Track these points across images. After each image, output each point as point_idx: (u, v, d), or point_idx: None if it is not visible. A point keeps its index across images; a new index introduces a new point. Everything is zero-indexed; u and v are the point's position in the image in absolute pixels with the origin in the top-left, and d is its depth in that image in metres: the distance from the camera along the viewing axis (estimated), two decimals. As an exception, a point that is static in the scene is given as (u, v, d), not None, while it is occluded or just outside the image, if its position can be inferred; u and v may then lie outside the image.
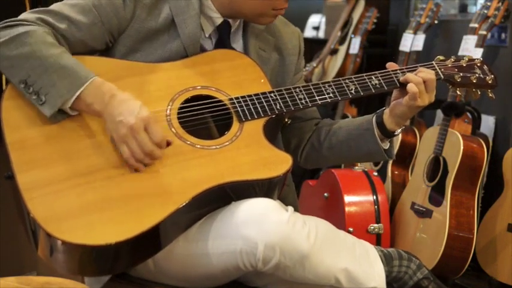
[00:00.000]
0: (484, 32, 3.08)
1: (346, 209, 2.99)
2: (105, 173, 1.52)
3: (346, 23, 4.46)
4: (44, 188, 1.48)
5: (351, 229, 2.94)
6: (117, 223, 1.46)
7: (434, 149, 3.04)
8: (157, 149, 1.53)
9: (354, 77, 1.75)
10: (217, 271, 1.55)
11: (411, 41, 3.62)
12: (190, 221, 1.57)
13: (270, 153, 1.63)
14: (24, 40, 1.56)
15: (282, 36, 1.87)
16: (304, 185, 3.36)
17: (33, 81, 1.53)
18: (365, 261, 1.60)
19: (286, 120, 1.78)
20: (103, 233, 1.44)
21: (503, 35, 3.32)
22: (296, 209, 1.60)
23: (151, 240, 1.51)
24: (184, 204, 1.51)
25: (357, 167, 3.18)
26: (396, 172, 3.41)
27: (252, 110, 1.67)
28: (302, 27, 4.36)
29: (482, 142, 2.95)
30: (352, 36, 4.27)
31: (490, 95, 1.85)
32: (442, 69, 1.80)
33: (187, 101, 1.65)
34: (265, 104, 1.68)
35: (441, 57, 1.84)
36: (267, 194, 1.59)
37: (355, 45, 4.18)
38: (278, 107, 1.69)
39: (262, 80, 1.73)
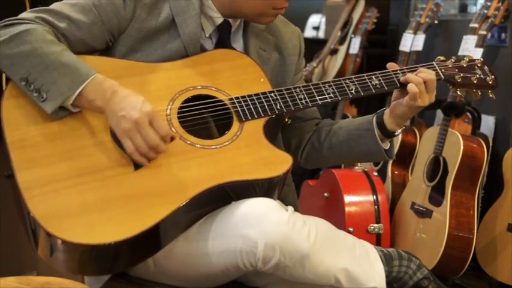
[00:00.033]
0: (484, 32, 3.08)
1: (346, 209, 2.99)
2: (106, 173, 1.52)
3: (346, 23, 4.46)
4: (44, 186, 1.48)
5: (351, 229, 2.94)
6: (117, 222, 1.46)
7: (434, 149, 3.04)
8: (162, 143, 1.53)
9: (354, 77, 1.75)
10: (217, 271, 1.55)
11: (411, 41, 3.62)
12: (190, 220, 1.57)
13: (270, 153, 1.63)
14: (24, 38, 1.56)
15: (282, 36, 1.87)
16: (304, 185, 3.36)
17: (34, 79, 1.54)
18: (365, 261, 1.60)
19: (286, 120, 1.78)
20: (103, 232, 1.44)
21: (503, 35, 3.32)
22: (296, 209, 1.60)
23: (151, 240, 1.51)
24: (184, 203, 1.51)
25: (357, 167, 3.19)
26: (396, 172, 3.41)
27: (252, 109, 1.67)
28: (302, 27, 4.36)
29: (482, 142, 2.95)
30: (352, 36, 4.27)
31: (491, 95, 1.85)
32: (443, 70, 1.80)
33: (187, 100, 1.65)
34: (265, 103, 1.68)
35: (442, 58, 1.84)
36: (267, 194, 1.59)
37: (355, 45, 4.18)
38: (278, 107, 1.69)
39: (262, 80, 1.73)
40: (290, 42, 1.87)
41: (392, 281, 1.66)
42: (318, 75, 4.47)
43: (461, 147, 2.91)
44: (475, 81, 1.81)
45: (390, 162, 3.37)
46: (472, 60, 1.85)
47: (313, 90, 1.73)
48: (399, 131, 1.76)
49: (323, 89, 1.73)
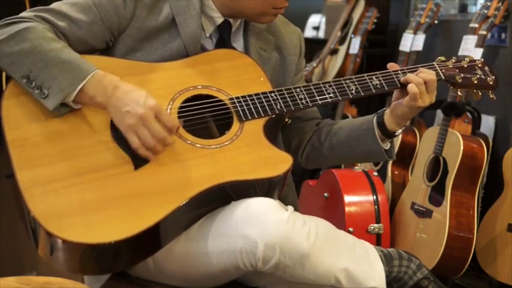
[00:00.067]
0: (484, 32, 3.08)
1: (346, 209, 2.99)
2: (106, 172, 1.52)
3: (346, 23, 4.46)
4: (45, 185, 1.48)
5: (351, 229, 2.94)
6: (117, 222, 1.46)
7: (434, 149, 3.04)
8: (169, 136, 1.53)
9: (355, 77, 1.75)
10: (217, 270, 1.55)
11: (411, 41, 3.62)
12: (190, 220, 1.57)
13: (270, 153, 1.63)
14: (24, 36, 1.56)
15: (282, 36, 1.87)
16: (304, 185, 3.36)
17: (35, 76, 1.54)
18: (365, 261, 1.60)
19: (286, 120, 1.78)
20: (103, 231, 1.44)
21: (503, 35, 3.32)
22: (296, 209, 1.60)
23: (151, 239, 1.51)
24: (184, 203, 1.51)
25: (357, 167, 3.19)
26: (396, 172, 3.41)
27: (253, 109, 1.67)
28: (302, 27, 4.36)
29: (482, 142, 2.95)
30: (352, 36, 4.27)
31: (491, 96, 1.85)
32: (443, 70, 1.80)
33: (187, 100, 1.65)
34: (265, 103, 1.68)
35: (442, 58, 1.84)
36: (267, 193, 1.59)
37: (355, 45, 4.18)
38: (278, 106, 1.69)
39: (262, 80, 1.73)
40: (290, 42, 1.87)
41: (392, 281, 1.66)
42: (318, 75, 4.47)
43: (461, 147, 2.91)
44: (475, 82, 1.81)
45: (390, 162, 3.37)
46: (472, 60, 1.85)
47: (314, 90, 1.73)
48: (399, 131, 1.76)
49: (323, 89, 1.73)
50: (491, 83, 1.83)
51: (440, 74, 1.78)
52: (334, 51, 4.46)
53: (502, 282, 2.81)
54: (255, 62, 1.75)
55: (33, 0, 2.34)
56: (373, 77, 1.76)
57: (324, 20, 5.11)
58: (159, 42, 1.71)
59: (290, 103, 1.70)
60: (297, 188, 2.34)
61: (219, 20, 1.76)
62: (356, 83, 1.74)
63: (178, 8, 1.72)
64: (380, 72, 1.77)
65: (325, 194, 3.14)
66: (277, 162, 1.61)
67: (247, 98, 1.68)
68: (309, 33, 5.19)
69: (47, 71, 1.53)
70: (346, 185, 3.05)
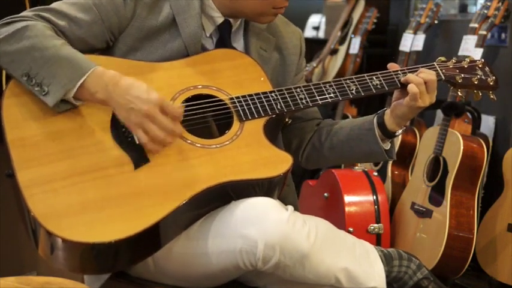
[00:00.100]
0: (484, 32, 3.08)
1: (346, 209, 2.99)
2: (106, 171, 1.52)
3: (346, 23, 4.46)
4: (45, 185, 1.48)
5: (351, 229, 2.94)
6: (117, 221, 1.46)
7: (434, 149, 3.04)
8: (177, 127, 1.53)
9: (355, 77, 1.75)
10: (217, 270, 1.55)
11: (411, 41, 3.62)
12: (190, 220, 1.57)
13: (271, 153, 1.63)
14: (24, 34, 1.56)
15: (282, 36, 1.87)
16: (304, 185, 3.36)
17: (35, 73, 1.54)
18: (365, 261, 1.60)
19: (287, 120, 1.78)
20: (103, 230, 1.44)
21: (503, 35, 3.32)
22: (296, 209, 1.60)
23: (151, 239, 1.51)
24: (184, 203, 1.51)
25: (357, 167, 3.19)
26: (396, 172, 3.41)
27: (253, 109, 1.67)
28: (302, 27, 4.36)
29: (482, 142, 2.95)
30: (352, 36, 4.27)
31: (492, 96, 1.85)
32: (443, 70, 1.80)
33: (188, 100, 1.65)
34: (265, 103, 1.68)
35: (443, 58, 1.84)
36: (267, 193, 1.59)
37: (355, 45, 4.18)
38: (279, 106, 1.69)
39: (262, 80, 1.73)
40: (291, 42, 1.87)
41: (392, 281, 1.66)
42: (318, 75, 4.47)
43: (461, 147, 2.91)
44: (475, 82, 1.81)
45: (390, 162, 3.37)
46: (473, 61, 1.85)
47: (314, 90, 1.73)
48: (400, 131, 1.76)
49: (324, 89, 1.73)
50: (491, 83, 1.83)
51: (441, 74, 1.78)
52: (334, 51, 4.46)
53: (502, 282, 2.81)
54: (256, 61, 1.75)
55: (33, 0, 2.34)
56: (374, 77, 1.76)
57: (324, 20, 5.11)
58: (160, 41, 1.71)
59: (290, 103, 1.70)
60: (297, 188, 2.34)
61: (219, 19, 1.76)
62: (356, 83, 1.74)
63: (178, 7, 1.72)
64: (380, 72, 1.77)
65: (325, 194, 3.15)
66: (277, 162, 1.61)
67: (248, 98, 1.68)
68: (309, 33, 5.19)
69: (47, 68, 1.53)
70: (346, 185, 3.05)
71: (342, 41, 4.45)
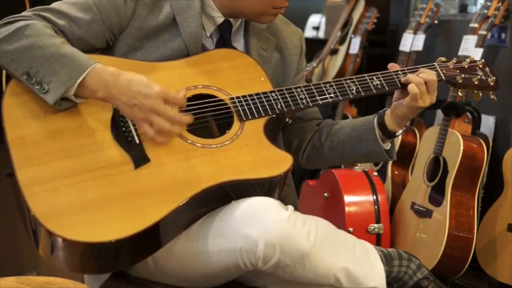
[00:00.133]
0: (484, 32, 3.08)
1: (346, 209, 2.99)
2: (106, 171, 1.52)
3: (346, 23, 4.46)
4: (45, 184, 1.48)
5: (351, 229, 2.94)
6: (118, 220, 1.46)
7: (434, 149, 3.04)
8: (183, 116, 1.53)
9: (355, 77, 1.75)
10: (217, 270, 1.55)
11: (411, 41, 3.62)
12: (190, 219, 1.57)
13: (271, 153, 1.63)
14: (24, 33, 1.56)
15: (283, 36, 1.87)
16: (304, 185, 3.36)
17: (35, 72, 1.54)
18: (365, 261, 1.60)
19: (287, 120, 1.78)
20: (103, 230, 1.44)
21: (503, 35, 3.32)
22: (296, 209, 1.60)
23: (151, 238, 1.51)
24: (184, 202, 1.51)
25: (357, 167, 3.19)
26: (396, 172, 3.41)
27: (253, 109, 1.67)
28: (302, 27, 4.36)
29: (482, 142, 2.95)
30: (352, 36, 4.27)
31: (492, 96, 1.85)
32: (444, 71, 1.80)
33: (188, 100, 1.64)
34: (266, 103, 1.68)
35: (443, 59, 1.84)
36: (267, 193, 1.59)
37: (355, 45, 4.18)
38: (279, 106, 1.69)
39: (263, 80, 1.73)
40: (291, 43, 1.87)
41: (392, 281, 1.65)
42: (318, 75, 4.47)
43: (461, 147, 2.91)
44: (476, 83, 1.81)
45: (390, 162, 3.37)
46: (473, 61, 1.85)
47: (314, 90, 1.73)
48: (400, 131, 1.77)
49: (324, 89, 1.73)
50: (492, 83, 1.83)
51: (441, 74, 1.78)
52: (334, 51, 4.46)
53: (502, 282, 2.81)
54: (256, 61, 1.75)
55: (33, 0, 2.34)
56: (374, 77, 1.76)
57: (324, 20, 5.11)
58: (160, 41, 1.71)
59: (291, 103, 1.70)
60: (297, 188, 2.34)
61: (220, 19, 1.76)
62: (357, 83, 1.74)
63: (178, 7, 1.72)
64: (381, 72, 1.77)
65: (325, 194, 3.14)
66: (278, 161, 1.61)
67: (248, 98, 1.68)
68: (309, 33, 5.19)
69: (47, 66, 1.53)
70: (346, 185, 3.05)
71: (342, 41, 4.45)
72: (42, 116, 1.55)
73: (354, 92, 1.74)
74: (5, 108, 1.55)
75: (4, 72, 2.04)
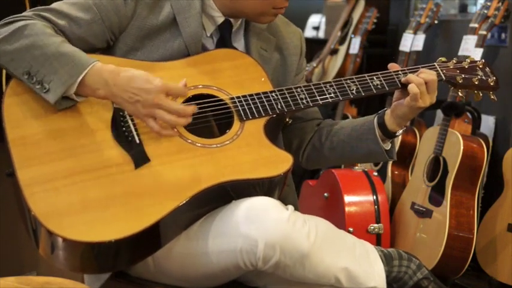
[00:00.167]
0: (484, 32, 3.08)
1: (346, 209, 2.99)
2: (106, 170, 1.52)
3: (346, 23, 4.46)
4: (45, 183, 1.48)
5: (351, 229, 2.93)
6: (118, 220, 1.46)
7: (434, 149, 3.04)
8: (187, 107, 1.54)
9: (356, 77, 1.75)
10: (217, 270, 1.55)
11: (411, 41, 3.62)
12: (190, 219, 1.57)
13: (271, 153, 1.63)
14: (24, 33, 1.56)
15: (283, 36, 1.87)
16: (304, 185, 3.36)
17: (35, 71, 1.54)
18: (365, 261, 1.60)
19: (287, 120, 1.78)
20: (104, 230, 1.45)
21: (503, 35, 3.32)
22: (296, 209, 1.60)
23: (151, 238, 1.51)
24: (184, 202, 1.51)
25: (357, 167, 3.19)
26: (396, 172, 3.41)
27: (253, 109, 1.67)
28: (302, 27, 4.35)
29: (482, 142, 2.95)
30: (352, 36, 4.27)
31: (492, 97, 1.85)
32: (444, 71, 1.80)
33: (188, 100, 1.65)
34: (266, 103, 1.68)
35: (443, 59, 1.84)
36: (268, 193, 1.59)
37: (355, 45, 4.18)
38: (279, 106, 1.69)
39: (263, 80, 1.73)
40: (291, 43, 1.87)
41: (392, 281, 1.65)
42: (318, 75, 4.47)
43: (461, 147, 2.91)
44: (476, 83, 1.81)
45: (390, 162, 3.37)
46: (473, 61, 1.85)
47: (314, 90, 1.73)
48: (400, 131, 1.77)
49: (324, 89, 1.73)
50: (492, 84, 1.83)
51: (441, 74, 1.79)
52: (334, 51, 4.46)
53: (502, 282, 2.81)
54: (256, 61, 1.75)
55: (33, 0, 2.34)
56: (374, 77, 1.76)
57: (324, 20, 5.11)
58: (160, 41, 1.71)
59: (291, 103, 1.70)
60: (297, 188, 2.34)
61: (220, 19, 1.76)
62: (357, 83, 1.74)
63: (179, 7, 1.72)
64: (381, 72, 1.77)
65: (325, 194, 3.14)
66: (278, 161, 1.61)
67: (248, 98, 1.68)
68: (309, 33, 5.19)
69: (47, 65, 1.54)
70: (346, 185, 3.04)
71: (342, 41, 4.45)
72: (43, 116, 1.55)
73: (354, 92, 1.74)
74: (6, 107, 1.55)
75: (4, 72, 2.05)
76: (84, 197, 1.48)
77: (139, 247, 1.51)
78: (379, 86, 1.75)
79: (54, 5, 1.67)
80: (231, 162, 1.59)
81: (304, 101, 1.71)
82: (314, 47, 4.76)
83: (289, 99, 1.70)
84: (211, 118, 1.67)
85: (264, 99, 1.68)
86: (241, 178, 1.57)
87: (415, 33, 3.63)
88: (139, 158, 1.55)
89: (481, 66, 1.85)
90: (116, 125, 1.58)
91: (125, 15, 1.69)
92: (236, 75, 1.71)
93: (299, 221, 1.52)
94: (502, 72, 3.13)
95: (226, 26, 1.77)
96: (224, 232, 1.53)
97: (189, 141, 1.60)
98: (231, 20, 1.78)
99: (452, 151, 2.95)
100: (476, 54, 3.01)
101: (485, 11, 3.11)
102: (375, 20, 4.13)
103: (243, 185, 1.57)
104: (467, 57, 1.87)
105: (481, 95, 1.84)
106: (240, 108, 1.66)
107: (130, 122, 1.59)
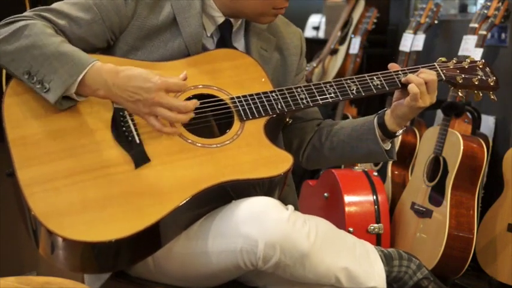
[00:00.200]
0: (484, 32, 3.08)
1: (346, 209, 2.99)
2: (106, 170, 1.52)
3: (346, 23, 4.46)
4: (45, 183, 1.48)
5: (351, 229, 2.93)
6: (118, 220, 1.46)
7: (434, 149, 3.04)
8: (188, 102, 1.54)
9: (356, 77, 1.75)
10: (217, 270, 1.55)
11: (411, 41, 3.62)
12: (190, 219, 1.57)
13: (271, 153, 1.63)
14: (23, 33, 1.57)
15: (283, 37, 1.87)
16: (304, 185, 3.36)
17: (36, 71, 1.54)
18: (365, 261, 1.60)
19: (287, 120, 1.78)
20: (104, 229, 1.45)
21: (503, 35, 3.32)
22: (296, 209, 1.60)
23: (151, 238, 1.51)
24: (184, 202, 1.51)
25: (357, 167, 3.19)
26: (396, 172, 3.41)
27: (253, 109, 1.67)
28: (302, 27, 4.36)
29: (482, 142, 2.95)
30: (352, 36, 4.27)
31: (492, 97, 1.85)
32: (444, 71, 1.80)
33: (188, 99, 1.64)
34: (266, 103, 1.68)
35: (443, 59, 1.84)
36: (268, 193, 1.59)
37: (355, 45, 4.18)
38: (279, 106, 1.69)
39: (263, 80, 1.73)
40: (291, 43, 1.87)
41: (392, 281, 1.65)
42: (318, 75, 4.47)
43: (461, 147, 2.91)
44: (476, 83, 1.81)
45: (390, 162, 3.37)
46: (473, 61, 1.85)
47: (314, 90, 1.73)
48: (400, 131, 1.77)
49: (324, 89, 1.73)
50: (492, 84, 1.83)
51: (441, 74, 1.79)
52: (334, 51, 4.46)
53: (502, 282, 2.81)
54: (256, 62, 1.75)
55: (34, 0, 2.34)
56: (374, 77, 1.76)
57: (324, 20, 5.11)
58: (160, 41, 1.71)
59: (291, 103, 1.70)
60: (297, 188, 2.34)
61: (220, 19, 1.77)
62: (357, 83, 1.74)
63: (179, 7, 1.72)
64: (381, 72, 1.77)
65: (325, 194, 3.14)
66: (278, 161, 1.61)
67: (248, 98, 1.68)
68: (309, 33, 5.19)
69: (47, 65, 1.54)
70: (346, 185, 3.05)
71: (342, 41, 4.45)
72: (43, 116, 1.55)
73: (354, 92, 1.74)
74: (6, 107, 1.55)
75: (4, 72, 2.05)
76: (85, 197, 1.48)
77: (139, 247, 1.51)
78: (379, 86, 1.75)
79: (54, 5, 1.67)
80: (231, 162, 1.59)
81: (304, 101, 1.71)
82: (314, 47, 4.76)
83: (289, 99, 1.70)
84: (211, 118, 1.67)
85: (264, 99, 1.68)
86: (241, 178, 1.57)
87: (415, 33, 3.63)
88: (140, 157, 1.55)
89: (481, 66, 1.85)
90: (116, 124, 1.58)
91: (125, 15, 1.69)
92: (236, 75, 1.71)
93: (299, 221, 1.52)
94: (502, 72, 3.13)
95: (226, 26, 1.77)
96: (224, 232, 1.53)
97: (189, 141, 1.60)
98: (231, 20, 1.78)
99: (452, 151, 2.95)
100: (476, 54, 3.01)
101: (485, 11, 3.11)
102: (375, 20, 4.13)
103: (243, 185, 1.57)
104: (467, 57, 1.87)
105: (481, 95, 1.84)
106: (240, 108, 1.66)
107: (130, 121, 1.59)
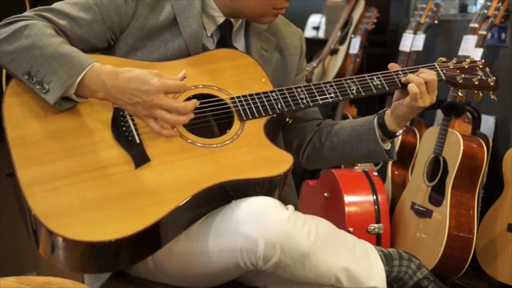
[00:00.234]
0: (484, 32, 3.08)
1: (346, 209, 2.99)
2: (106, 170, 1.52)
3: (346, 23, 4.46)
4: (45, 183, 1.48)
5: (351, 229, 2.94)
6: (118, 220, 1.47)
7: (434, 149, 3.04)
8: (187, 103, 1.54)
9: (356, 77, 1.75)
10: (218, 270, 1.55)
11: (411, 41, 3.63)
12: (190, 219, 1.57)
13: (271, 153, 1.63)
14: (24, 33, 1.57)
15: (283, 37, 1.87)
16: (304, 185, 3.36)
17: (35, 71, 1.54)
18: (365, 261, 1.60)
19: (287, 120, 1.79)
20: (104, 229, 1.45)
21: (503, 35, 3.33)
22: (296, 209, 1.60)
23: (151, 238, 1.51)
24: (184, 202, 1.51)
25: (357, 167, 3.19)
26: (396, 172, 3.41)
27: (253, 109, 1.67)
28: (302, 27, 4.36)
29: (482, 142, 2.96)
30: (352, 36, 4.27)
31: (492, 97, 1.85)
32: (444, 71, 1.80)
33: (188, 99, 1.65)
34: (266, 103, 1.68)
35: (443, 59, 1.84)
36: (268, 193, 1.59)
37: (355, 45, 4.18)
38: (279, 106, 1.69)
39: (263, 80, 1.73)
40: (291, 43, 1.88)
41: (392, 281, 1.66)
42: (318, 75, 4.47)
43: (461, 147, 2.91)
44: (476, 83, 1.81)
45: (390, 162, 3.37)
46: (473, 61, 1.85)
47: (314, 90, 1.73)
48: (400, 131, 1.77)
49: (324, 89, 1.73)
50: (492, 84, 1.83)
51: (441, 74, 1.79)
52: (334, 51, 4.46)
53: (502, 282, 2.81)
54: (257, 62, 1.75)
55: (34, 0, 2.34)
56: (374, 77, 1.76)
57: (324, 20, 5.12)
58: (160, 41, 1.71)
59: (291, 103, 1.70)
60: (297, 188, 2.34)
61: (220, 19, 1.77)
62: (357, 83, 1.74)
63: (179, 7, 1.72)
64: (381, 72, 1.77)
65: (325, 194, 3.15)
66: (278, 161, 1.61)
67: (248, 98, 1.68)
68: (309, 33, 5.19)
69: (47, 65, 1.54)
70: (346, 185, 3.05)
71: (342, 41, 4.45)
72: (43, 116, 1.55)
73: (354, 92, 1.74)
74: (6, 107, 1.55)
75: (4, 72, 2.05)
76: (84, 197, 1.48)
77: (139, 247, 1.51)
78: (379, 86, 1.75)
79: (55, 5, 1.67)
80: (231, 162, 1.59)
81: (304, 101, 1.71)
82: (314, 47, 4.77)
83: (289, 99, 1.70)
84: (211, 118, 1.67)
85: (264, 99, 1.68)
86: (241, 178, 1.57)
87: (415, 33, 3.63)
88: (140, 157, 1.55)
89: (481, 66, 1.85)
90: (116, 125, 1.58)
91: (125, 15, 1.69)
92: (236, 75, 1.71)
93: (299, 220, 1.52)
94: (502, 72, 3.13)
95: (226, 26, 1.77)
96: (224, 232, 1.53)
97: (190, 141, 1.60)
98: (232, 20, 1.78)
99: (452, 151, 2.95)
100: (476, 54, 3.01)
101: (485, 11, 3.11)
102: (375, 20, 4.14)
103: (243, 184, 1.57)
104: (467, 57, 1.87)
105: (481, 95, 1.84)
106: (240, 108, 1.66)
107: (130, 121, 1.59)
